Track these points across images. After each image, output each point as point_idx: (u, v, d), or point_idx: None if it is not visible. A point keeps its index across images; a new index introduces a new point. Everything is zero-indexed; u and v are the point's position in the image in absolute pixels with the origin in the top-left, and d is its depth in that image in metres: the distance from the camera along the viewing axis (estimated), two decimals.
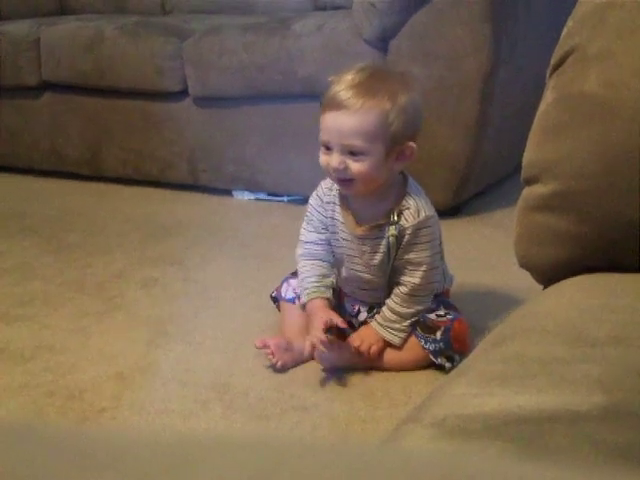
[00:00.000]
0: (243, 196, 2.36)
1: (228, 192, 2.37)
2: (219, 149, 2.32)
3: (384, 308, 1.34)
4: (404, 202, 1.29)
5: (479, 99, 1.92)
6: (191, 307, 1.61)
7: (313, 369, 1.34)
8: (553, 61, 0.71)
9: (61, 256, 1.92)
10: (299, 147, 2.18)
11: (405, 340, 1.33)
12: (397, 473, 0.20)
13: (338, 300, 1.44)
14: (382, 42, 1.96)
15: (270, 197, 2.33)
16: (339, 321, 1.31)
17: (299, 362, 1.35)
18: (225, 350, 1.41)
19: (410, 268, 1.31)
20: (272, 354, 1.31)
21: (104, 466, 0.18)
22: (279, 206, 2.28)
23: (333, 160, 1.24)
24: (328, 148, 1.25)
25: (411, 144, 1.25)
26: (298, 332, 1.39)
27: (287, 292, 1.45)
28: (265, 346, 1.32)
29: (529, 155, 0.72)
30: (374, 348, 1.31)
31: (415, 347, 1.32)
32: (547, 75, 0.72)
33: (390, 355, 1.33)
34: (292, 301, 1.43)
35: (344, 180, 1.26)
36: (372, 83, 1.23)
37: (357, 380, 1.29)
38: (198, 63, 2.23)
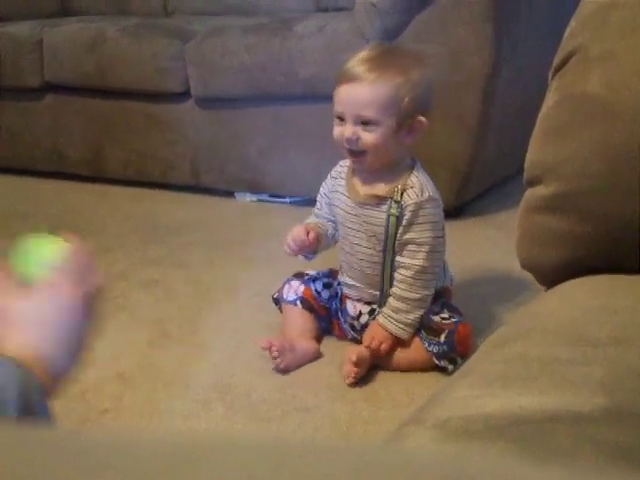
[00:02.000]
0: (245, 197, 2.36)
1: (230, 193, 2.37)
2: (221, 150, 2.32)
3: (390, 298, 1.34)
4: (409, 181, 1.31)
5: (481, 98, 1.92)
6: (193, 308, 1.61)
7: (315, 371, 1.34)
8: (555, 62, 0.71)
9: None
10: (301, 148, 2.18)
11: (411, 339, 1.33)
12: (399, 474, 0.20)
13: (340, 303, 1.44)
14: (384, 42, 1.96)
15: (272, 198, 2.33)
16: (303, 236, 1.36)
17: (301, 364, 1.35)
18: (227, 351, 1.41)
19: (412, 249, 1.31)
20: (277, 355, 1.31)
21: (104, 466, 0.18)
22: (281, 207, 2.28)
23: (346, 131, 1.28)
24: (342, 119, 1.28)
25: (421, 118, 1.28)
26: (300, 334, 1.40)
27: (289, 294, 1.45)
28: (270, 346, 1.32)
29: (531, 156, 0.72)
30: (384, 346, 1.32)
31: (419, 349, 1.33)
32: (549, 76, 0.72)
33: (395, 355, 1.34)
34: (293, 303, 1.43)
35: (356, 153, 1.29)
36: (386, 58, 1.28)
37: (359, 382, 1.29)
38: (200, 64, 2.23)
